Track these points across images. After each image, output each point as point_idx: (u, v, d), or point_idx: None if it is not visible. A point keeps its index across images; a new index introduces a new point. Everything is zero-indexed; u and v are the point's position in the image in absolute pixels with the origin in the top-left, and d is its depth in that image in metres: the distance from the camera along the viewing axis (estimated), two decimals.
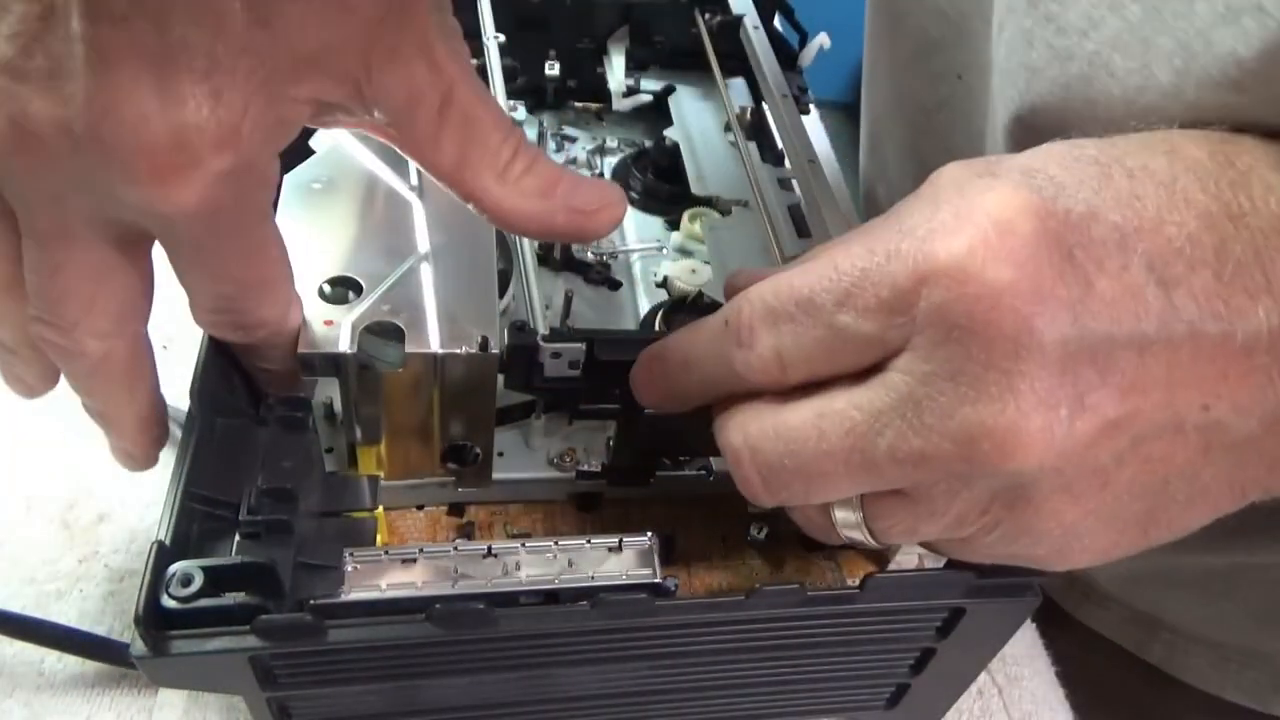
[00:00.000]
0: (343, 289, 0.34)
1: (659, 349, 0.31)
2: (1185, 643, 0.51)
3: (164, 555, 0.27)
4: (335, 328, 0.33)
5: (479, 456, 0.37)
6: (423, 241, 0.37)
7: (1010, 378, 0.23)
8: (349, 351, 0.32)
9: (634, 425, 0.36)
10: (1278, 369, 0.24)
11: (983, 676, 0.45)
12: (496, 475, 0.38)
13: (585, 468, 0.39)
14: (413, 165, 0.40)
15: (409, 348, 0.33)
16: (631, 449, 0.37)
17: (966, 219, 0.24)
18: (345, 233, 0.37)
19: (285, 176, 0.38)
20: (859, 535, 0.28)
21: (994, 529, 0.26)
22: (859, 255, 0.25)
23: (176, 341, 0.53)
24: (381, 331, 0.33)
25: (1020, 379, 0.23)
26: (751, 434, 0.27)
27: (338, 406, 0.36)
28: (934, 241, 0.24)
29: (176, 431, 0.48)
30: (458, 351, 0.33)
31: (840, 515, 0.28)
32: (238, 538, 0.29)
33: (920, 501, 0.26)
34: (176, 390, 0.50)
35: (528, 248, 0.39)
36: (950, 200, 0.24)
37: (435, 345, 0.33)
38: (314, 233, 0.36)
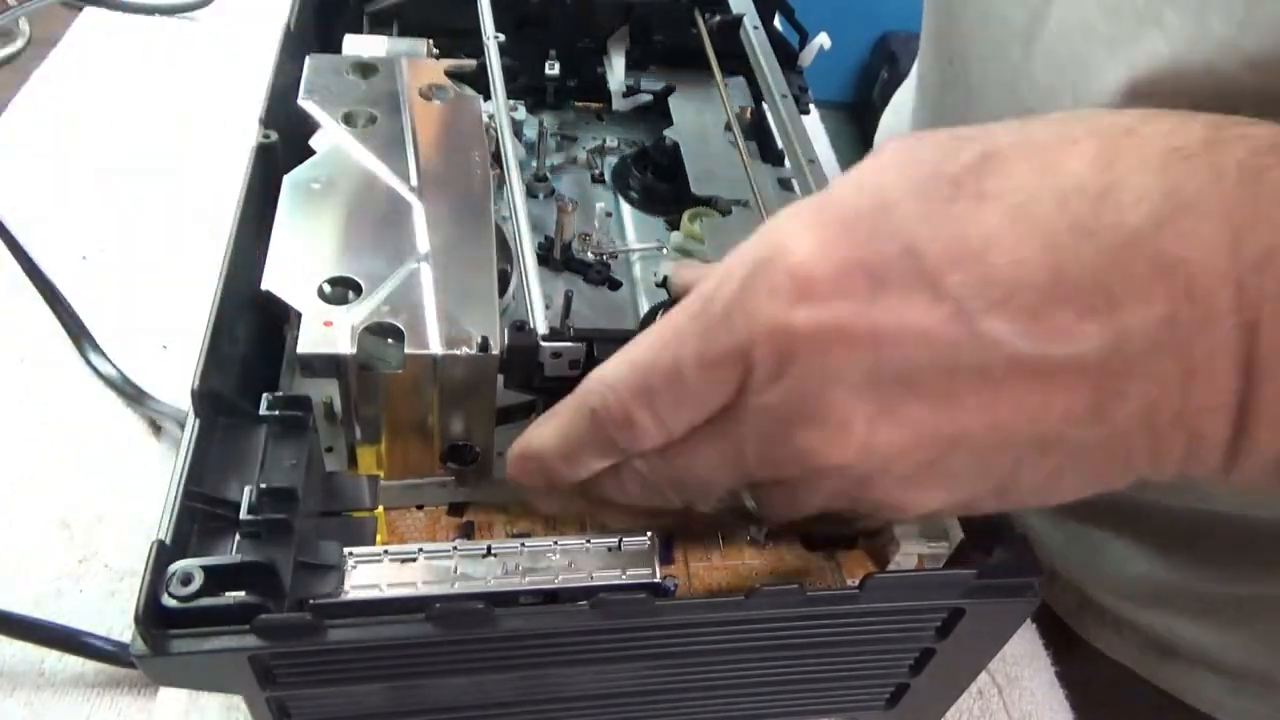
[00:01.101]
0: (343, 289, 0.34)
1: (525, 448, 0.32)
2: (1200, 671, 0.50)
3: (164, 554, 0.27)
4: (335, 328, 0.33)
5: (479, 456, 0.37)
6: (422, 242, 0.37)
7: (825, 405, 0.25)
8: (349, 353, 0.32)
9: None
10: (1111, 386, 0.23)
11: (983, 677, 0.45)
12: (496, 474, 0.38)
13: None
14: (412, 165, 0.40)
15: (409, 349, 0.33)
16: None
17: (770, 267, 0.25)
18: (345, 233, 0.37)
19: (285, 177, 0.38)
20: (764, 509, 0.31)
21: (859, 505, 0.28)
22: (696, 321, 0.27)
23: (177, 341, 0.53)
24: (381, 332, 0.33)
25: (832, 407, 0.25)
26: (623, 480, 0.31)
27: (338, 406, 0.36)
28: (741, 299, 0.26)
29: (176, 431, 0.49)
30: (457, 353, 0.33)
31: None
32: (238, 537, 0.29)
33: (794, 489, 0.29)
34: (176, 390, 0.50)
35: (528, 248, 0.39)
36: (762, 242, 0.26)
37: (435, 346, 0.33)
38: (314, 233, 0.36)
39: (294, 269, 0.35)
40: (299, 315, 0.33)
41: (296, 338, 0.32)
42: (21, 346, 0.52)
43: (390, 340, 0.33)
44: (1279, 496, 0.27)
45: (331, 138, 0.41)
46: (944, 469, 0.26)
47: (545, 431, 0.31)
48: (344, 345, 0.32)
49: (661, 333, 0.28)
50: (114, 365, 0.51)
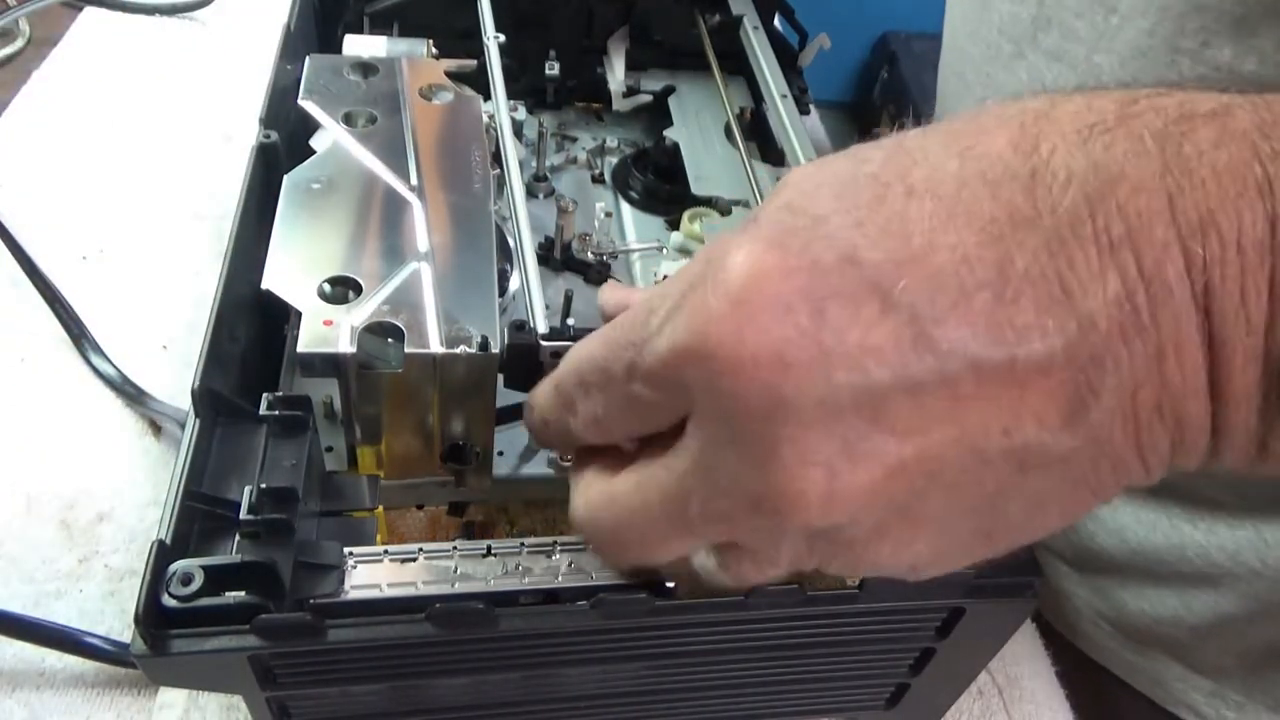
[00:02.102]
0: (343, 289, 0.34)
1: (530, 399, 0.32)
2: (1182, 673, 0.50)
3: (164, 554, 0.27)
4: (335, 328, 0.33)
5: (479, 456, 0.37)
6: (422, 242, 0.37)
7: (773, 443, 0.23)
8: (349, 352, 0.32)
9: None
10: (1083, 382, 0.22)
11: (983, 676, 0.45)
12: (496, 474, 0.38)
13: None
14: (412, 165, 0.40)
15: (408, 348, 0.33)
16: None
17: (712, 290, 0.23)
18: (345, 233, 0.37)
19: (285, 176, 0.38)
20: (725, 579, 0.28)
21: (832, 562, 0.26)
22: (638, 323, 0.26)
23: (176, 342, 0.53)
24: (381, 332, 0.33)
25: (782, 444, 0.23)
26: (591, 502, 0.29)
27: (338, 406, 0.36)
28: (684, 319, 0.24)
29: (176, 431, 0.49)
30: (457, 352, 0.33)
31: (699, 564, 0.28)
32: (238, 537, 0.29)
33: (752, 550, 0.26)
34: (176, 390, 0.50)
35: (528, 247, 0.39)
36: (705, 265, 0.24)
37: (435, 346, 0.33)
38: (314, 233, 0.36)
39: (294, 268, 0.35)
40: (299, 314, 0.33)
41: (296, 337, 0.32)
42: (21, 346, 0.52)
43: (390, 340, 0.33)
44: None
45: (331, 137, 0.41)
46: (920, 513, 0.24)
47: (540, 385, 0.31)
48: (344, 345, 0.32)
49: (616, 327, 0.27)
50: (114, 365, 0.51)
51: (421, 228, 0.37)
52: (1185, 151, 0.22)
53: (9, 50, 0.74)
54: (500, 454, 0.38)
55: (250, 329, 0.37)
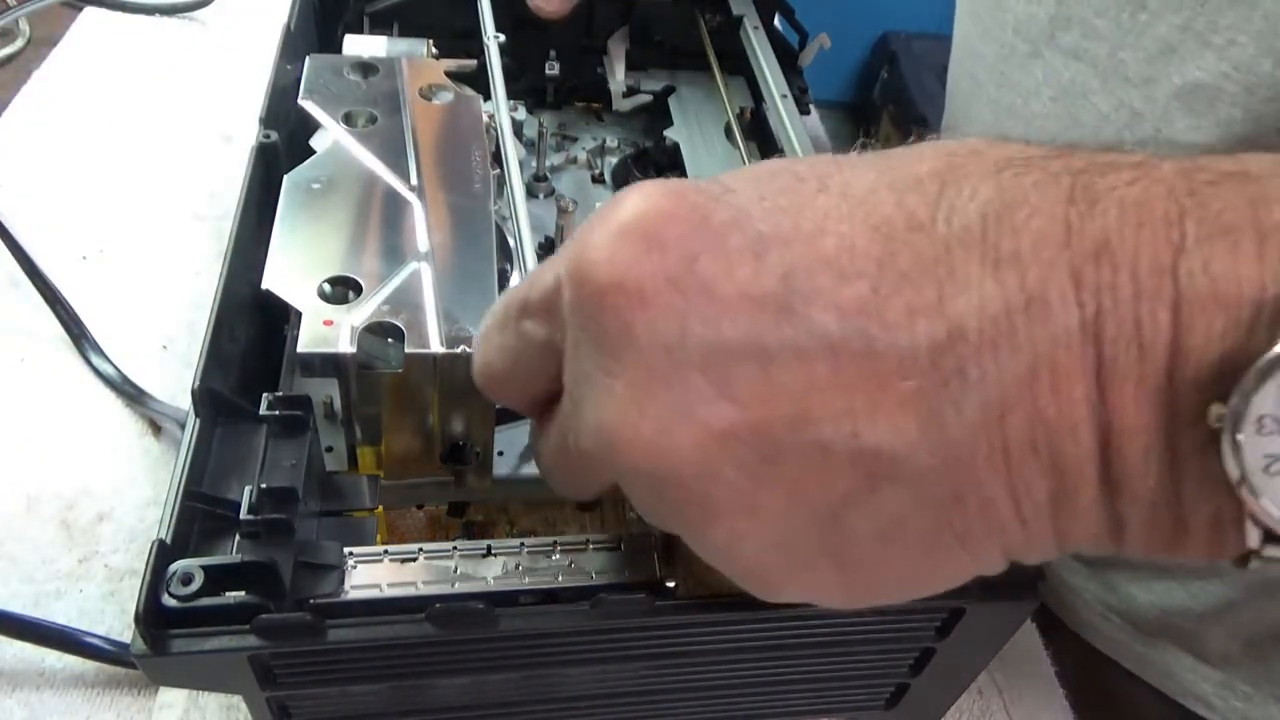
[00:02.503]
0: (342, 289, 0.34)
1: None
2: (1191, 663, 0.50)
3: (164, 554, 0.27)
4: (335, 328, 0.33)
5: (479, 456, 0.37)
6: (423, 242, 0.37)
7: (614, 378, 0.23)
8: (348, 352, 0.32)
9: None
10: (944, 392, 0.21)
11: (983, 676, 0.45)
12: (496, 474, 0.38)
13: None
14: (412, 165, 0.40)
15: (408, 348, 0.33)
16: None
17: (600, 219, 0.24)
18: (345, 233, 0.37)
19: (285, 176, 0.38)
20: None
21: (676, 526, 0.25)
22: (547, 263, 0.26)
23: (176, 341, 0.53)
24: (381, 332, 0.33)
25: (621, 381, 0.23)
26: (538, 448, 0.30)
27: (338, 406, 0.36)
28: (573, 245, 0.24)
29: (176, 431, 0.49)
30: (457, 352, 0.33)
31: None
32: (238, 537, 0.29)
33: (633, 502, 0.26)
34: (176, 390, 0.50)
35: (528, 247, 0.39)
36: (607, 203, 0.24)
37: (435, 345, 0.33)
38: (314, 233, 0.36)
39: (294, 268, 0.35)
40: (299, 314, 0.33)
41: (296, 337, 0.32)
42: (21, 346, 0.52)
43: (390, 340, 0.33)
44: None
45: (331, 137, 0.41)
46: (757, 502, 0.23)
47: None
48: (344, 345, 0.32)
49: (529, 273, 0.27)
50: (114, 365, 0.51)
51: (421, 228, 0.37)
52: (1097, 186, 0.22)
53: (9, 50, 0.74)
54: (500, 454, 0.38)
55: (250, 329, 0.37)
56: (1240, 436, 0.20)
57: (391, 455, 0.36)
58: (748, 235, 0.22)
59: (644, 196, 0.23)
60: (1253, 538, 0.21)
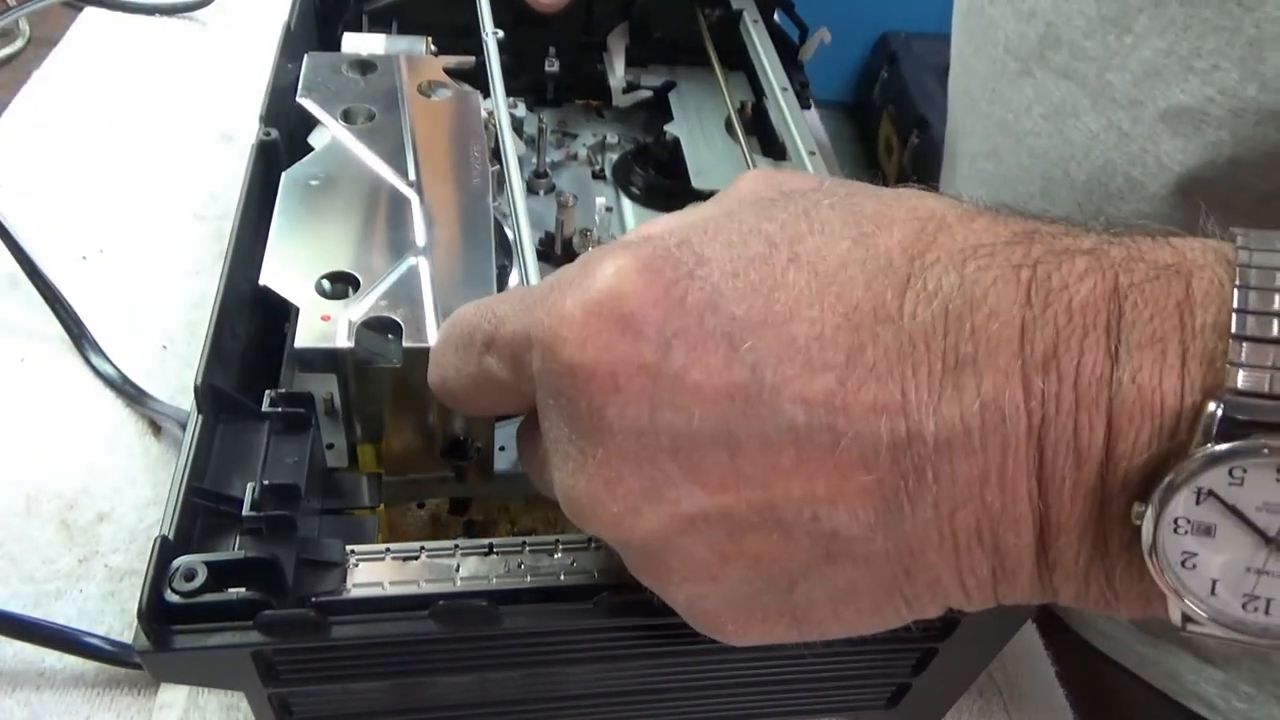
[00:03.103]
0: (341, 285, 0.34)
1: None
2: (1194, 665, 0.50)
3: (167, 550, 0.27)
4: (333, 324, 0.33)
5: (479, 451, 0.37)
6: (420, 237, 0.37)
7: (585, 456, 0.24)
8: (347, 347, 0.32)
9: None
10: (902, 487, 0.22)
11: (983, 676, 0.45)
12: (497, 469, 0.38)
13: None
14: (411, 160, 0.40)
15: (407, 342, 0.33)
16: None
17: (574, 289, 0.24)
18: (343, 229, 0.36)
19: (283, 174, 0.38)
20: None
21: (644, 577, 0.26)
22: (511, 302, 0.26)
23: (176, 341, 0.53)
24: (380, 327, 0.33)
25: (590, 459, 0.23)
26: (520, 451, 0.30)
27: (338, 403, 0.36)
28: (543, 308, 0.24)
29: (176, 431, 0.49)
30: None
31: None
32: (239, 534, 0.29)
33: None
34: (176, 390, 0.50)
35: (527, 243, 0.39)
36: (582, 266, 0.24)
37: (433, 339, 0.33)
38: (312, 229, 0.36)
39: (291, 265, 0.35)
40: (297, 310, 0.33)
41: (295, 333, 0.32)
42: (21, 346, 0.52)
43: (389, 335, 0.33)
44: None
45: (330, 134, 0.41)
46: (719, 572, 0.24)
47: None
48: (342, 340, 0.32)
49: (491, 301, 0.27)
50: (114, 365, 0.51)
51: (420, 223, 0.37)
52: (1052, 283, 0.22)
53: (9, 50, 0.74)
54: (501, 449, 0.38)
55: (252, 326, 0.37)
56: (1159, 535, 0.22)
57: (392, 451, 0.36)
58: (721, 318, 0.23)
59: (618, 273, 0.23)
60: (1176, 617, 0.23)
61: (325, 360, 0.32)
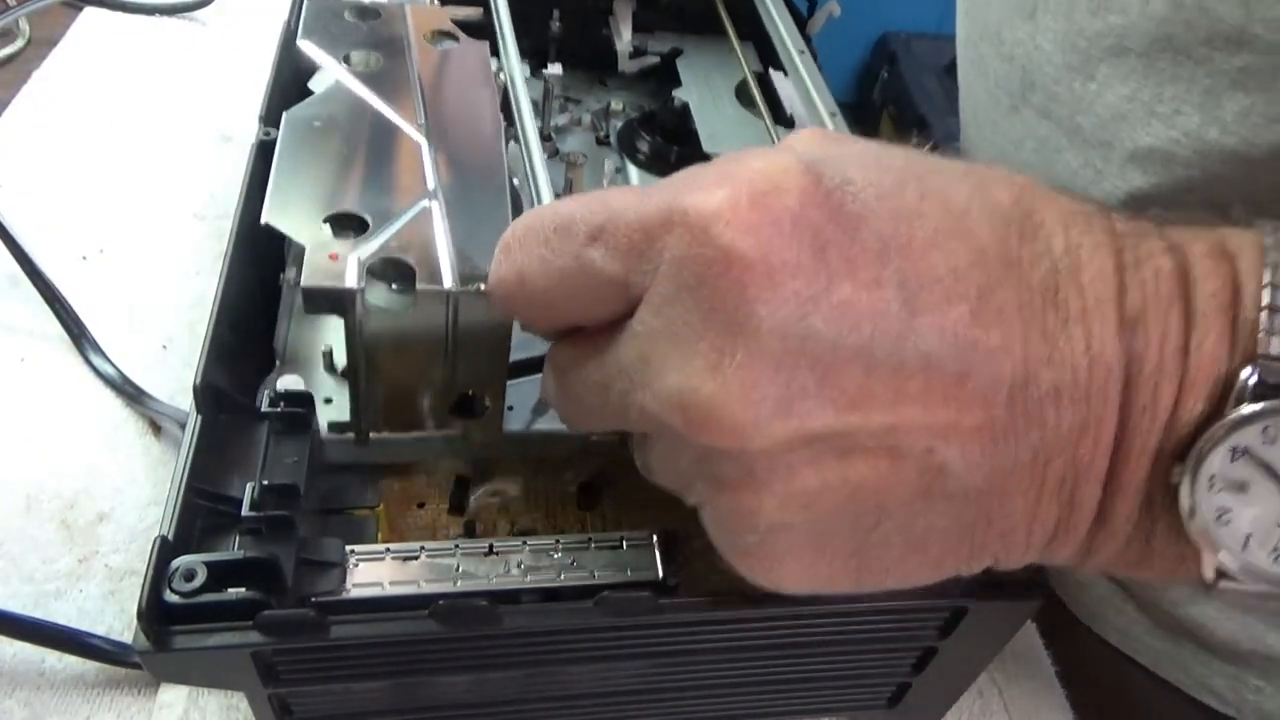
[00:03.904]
0: (348, 227, 0.32)
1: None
2: (1205, 660, 0.50)
3: (167, 550, 0.27)
4: (341, 263, 0.30)
5: (488, 410, 0.34)
6: (432, 180, 0.34)
7: (720, 354, 0.22)
8: (355, 287, 0.30)
9: None
10: (1013, 428, 0.23)
11: (983, 677, 0.45)
12: (507, 429, 0.36)
13: None
14: (419, 104, 0.37)
15: (420, 284, 0.30)
16: None
17: (730, 178, 0.23)
18: (350, 171, 0.34)
19: (284, 113, 0.36)
20: (638, 460, 0.28)
21: (704, 504, 0.25)
22: (628, 195, 0.24)
23: (176, 341, 0.53)
24: (390, 268, 0.31)
25: (728, 358, 0.22)
26: (560, 373, 0.28)
27: (338, 357, 0.34)
28: (691, 193, 0.23)
29: (176, 431, 0.49)
30: (472, 290, 0.30)
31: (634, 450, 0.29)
32: (238, 535, 0.29)
33: (654, 451, 0.26)
34: (176, 390, 0.50)
35: (544, 189, 0.37)
36: (727, 159, 0.24)
37: (448, 283, 0.30)
38: (316, 170, 0.34)
39: (295, 204, 0.32)
40: (300, 252, 0.31)
41: (298, 276, 0.30)
42: (21, 346, 0.52)
43: (399, 277, 0.31)
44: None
45: (332, 77, 0.38)
46: (815, 494, 0.23)
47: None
48: (351, 280, 0.30)
49: (595, 195, 0.26)
50: (114, 365, 0.51)
51: (430, 166, 0.35)
52: (1139, 253, 0.24)
53: (9, 50, 0.74)
54: (511, 408, 0.36)
55: (252, 326, 0.37)
56: (1196, 492, 0.23)
57: (396, 405, 0.33)
58: (871, 235, 0.23)
59: (778, 166, 0.23)
60: (1209, 574, 0.25)
61: (332, 301, 0.30)
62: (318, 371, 0.37)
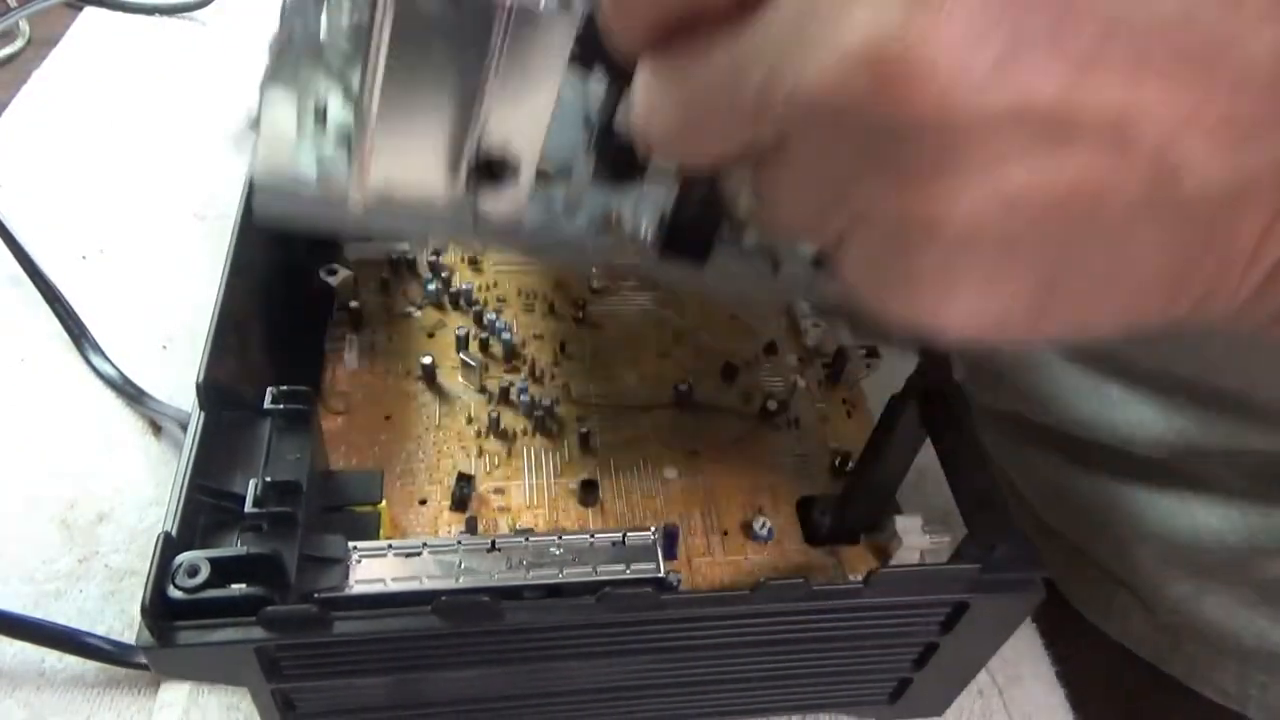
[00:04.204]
0: None
1: None
2: (1209, 655, 0.51)
3: (170, 546, 0.27)
4: None
5: (515, 172, 0.27)
6: None
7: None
8: None
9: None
10: (1261, 121, 0.18)
11: (983, 676, 0.45)
12: (529, 224, 0.29)
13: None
14: None
15: None
16: (699, 194, 0.28)
17: None
18: None
19: None
20: (752, 203, 0.24)
21: (866, 218, 0.20)
22: None
23: (176, 341, 0.53)
24: None
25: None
26: (648, 84, 0.22)
27: (332, 108, 0.27)
28: None
29: (177, 431, 0.49)
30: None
31: (742, 201, 0.24)
32: (242, 531, 0.29)
33: (796, 160, 0.21)
34: (176, 390, 0.50)
35: None
36: None
37: None
38: None
39: None
40: None
41: None
42: (21, 346, 0.52)
43: None
44: None
45: None
46: (1020, 182, 0.18)
47: None
48: None
49: None
50: (114, 365, 0.51)
51: None
52: None
53: (9, 50, 0.74)
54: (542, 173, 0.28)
55: (255, 323, 0.37)
56: None
57: (404, 154, 0.27)
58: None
59: None
60: None
61: None
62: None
